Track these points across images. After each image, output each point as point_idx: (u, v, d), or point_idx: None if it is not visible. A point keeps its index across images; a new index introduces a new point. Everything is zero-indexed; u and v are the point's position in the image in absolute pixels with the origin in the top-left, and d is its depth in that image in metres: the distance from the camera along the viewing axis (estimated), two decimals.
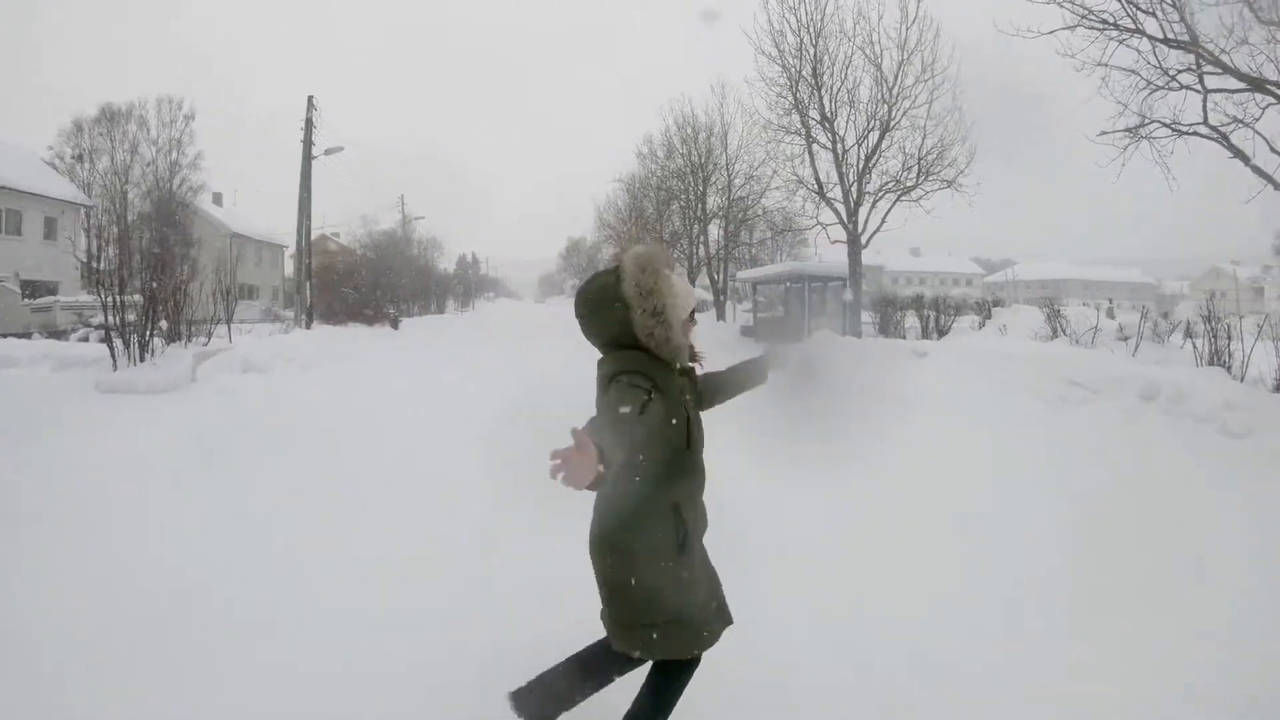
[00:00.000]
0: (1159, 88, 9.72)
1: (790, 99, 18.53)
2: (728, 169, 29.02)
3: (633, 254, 2.52)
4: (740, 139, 28.20)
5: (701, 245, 31.35)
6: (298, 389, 10.84)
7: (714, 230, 31.06)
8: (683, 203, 31.46)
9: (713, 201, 30.26)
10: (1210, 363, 9.60)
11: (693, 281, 29.39)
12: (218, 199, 49.85)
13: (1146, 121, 9.91)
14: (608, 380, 2.43)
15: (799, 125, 18.54)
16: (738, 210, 29.27)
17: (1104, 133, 10.25)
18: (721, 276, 31.09)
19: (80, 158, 40.86)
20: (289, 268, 45.22)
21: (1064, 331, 11.51)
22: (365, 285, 26.21)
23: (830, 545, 4.86)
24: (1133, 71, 9.89)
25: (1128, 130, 10.07)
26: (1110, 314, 17.01)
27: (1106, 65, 9.96)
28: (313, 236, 48.75)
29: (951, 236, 73.18)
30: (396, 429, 8.61)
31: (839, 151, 18.14)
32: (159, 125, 40.12)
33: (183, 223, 37.19)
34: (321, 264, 30.17)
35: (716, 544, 2.78)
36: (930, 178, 17.13)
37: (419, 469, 6.82)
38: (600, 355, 2.55)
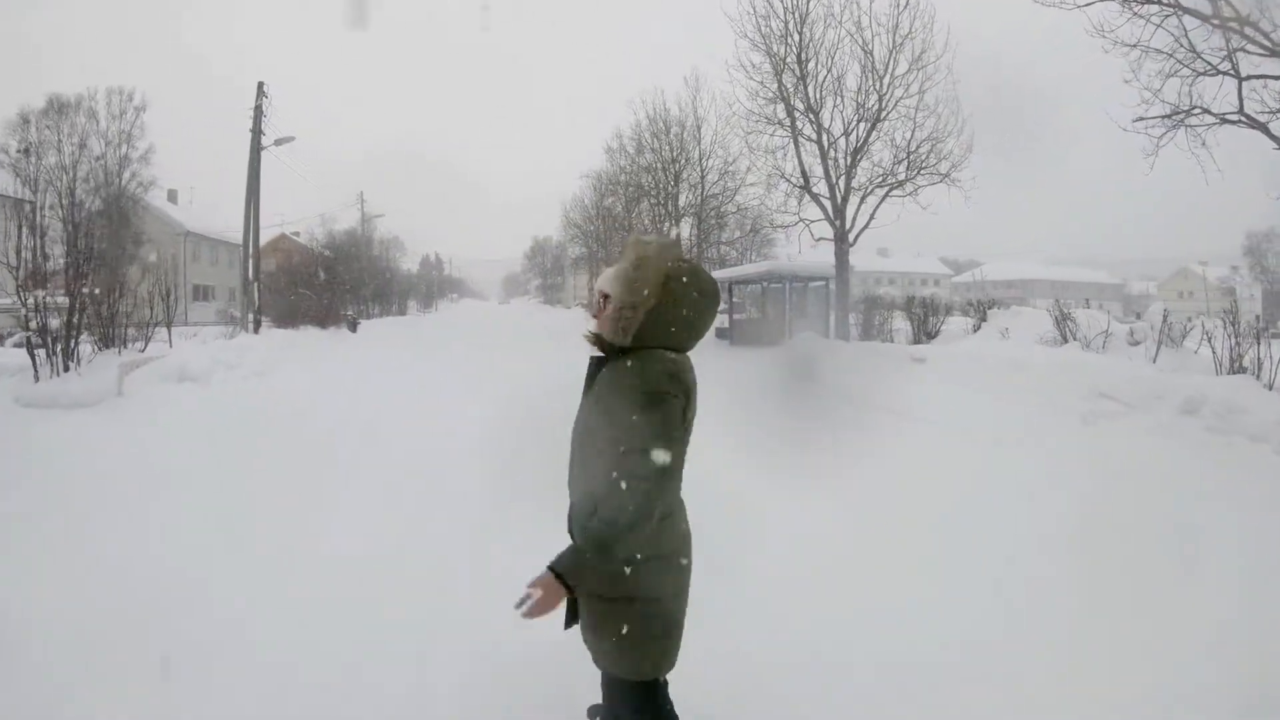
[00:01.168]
0: (1200, 74, 9.01)
1: (775, 88, 17.65)
2: (701, 163, 28.16)
3: None
4: (715, 133, 27.37)
5: None
6: (239, 402, 9.76)
7: (686, 228, 30.14)
8: (653, 200, 30.51)
9: (684, 198, 29.37)
10: (1230, 369, 8.96)
11: None
12: (172, 196, 47.86)
13: (1192, 109, 9.18)
14: None
15: (783, 115, 17.65)
16: (711, 207, 28.41)
17: (1140, 119, 9.54)
18: None
19: (26, 151, 38.85)
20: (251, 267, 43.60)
21: (1074, 336, 10.76)
22: (321, 286, 25.03)
23: (828, 555, 4.56)
24: (1169, 55, 9.16)
25: (1167, 117, 9.33)
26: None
27: (1142, 47, 9.22)
28: (273, 235, 47.40)
29: (918, 237, 73.06)
30: (348, 447, 7.57)
31: (824, 144, 17.27)
32: (108, 118, 38.14)
33: (132, 220, 35.43)
34: (279, 264, 28.93)
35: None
36: (924, 172, 16.27)
37: (375, 492, 5.83)
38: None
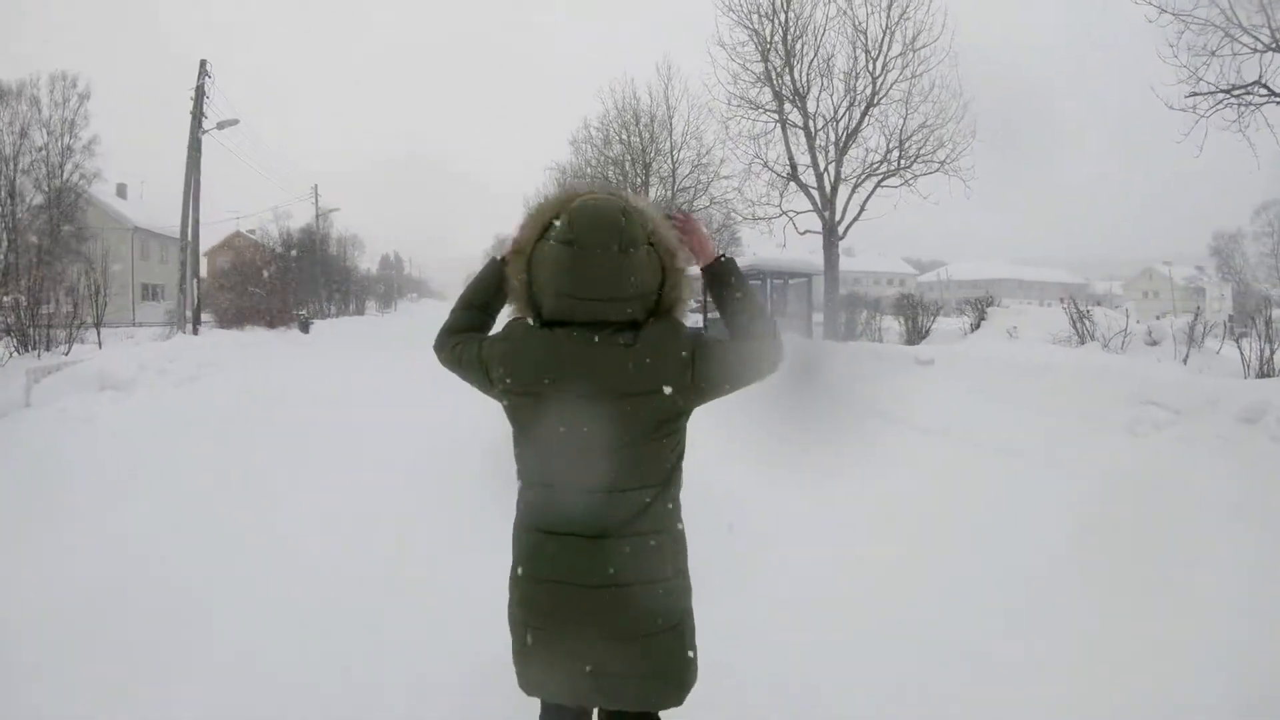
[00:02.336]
0: (1257, 51, 8.35)
1: (761, 68, 16.70)
2: (672, 155, 27.21)
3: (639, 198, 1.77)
4: (688, 123, 26.44)
5: None
6: (169, 413, 8.59)
7: None
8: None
9: (654, 193, 28.43)
10: (1261, 371, 8.27)
11: None
12: (121, 190, 45.87)
13: (1260, 81, 8.50)
14: (701, 341, 1.70)
15: (770, 99, 16.70)
16: (682, 202, 27.48)
17: (1193, 94, 8.85)
18: None
19: None
20: (202, 266, 41.61)
21: (1092, 336, 10.00)
22: (272, 284, 23.82)
23: (832, 578, 4.10)
24: (1219, 28, 8.49)
25: (1225, 91, 8.63)
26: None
27: (1194, 19, 8.54)
28: (229, 233, 45.60)
29: (882, 234, 72.81)
30: (287, 470, 6.45)
31: (812, 129, 16.37)
32: (51, 105, 36.15)
33: (75, 215, 33.66)
34: (233, 262, 27.66)
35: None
36: (919, 160, 15.40)
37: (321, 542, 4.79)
38: (623, 331, 1.64)
